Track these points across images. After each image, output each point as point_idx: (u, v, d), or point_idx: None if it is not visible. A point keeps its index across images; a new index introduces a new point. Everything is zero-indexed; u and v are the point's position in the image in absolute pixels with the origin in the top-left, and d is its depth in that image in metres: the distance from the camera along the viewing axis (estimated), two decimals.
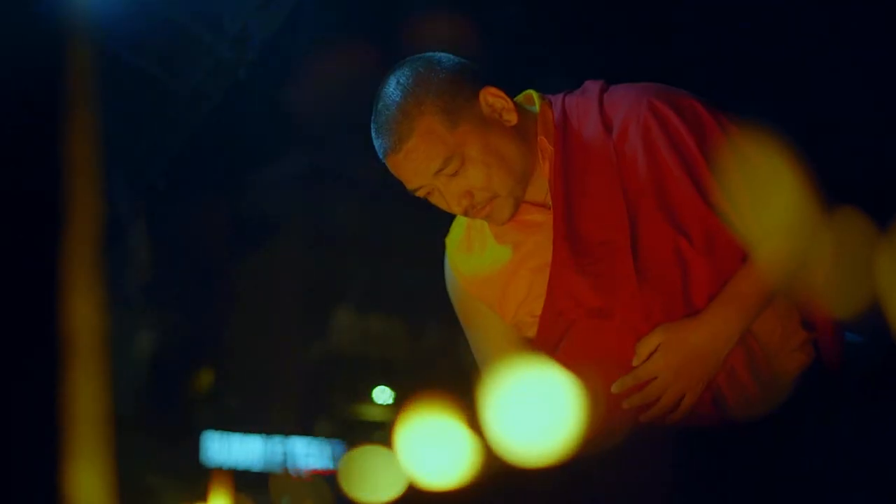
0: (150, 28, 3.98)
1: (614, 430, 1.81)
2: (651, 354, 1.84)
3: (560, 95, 2.01)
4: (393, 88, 1.88)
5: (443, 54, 1.93)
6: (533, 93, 2.02)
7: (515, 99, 1.97)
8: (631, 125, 1.90)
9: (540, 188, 1.96)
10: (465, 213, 1.92)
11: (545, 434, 1.57)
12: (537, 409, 1.68)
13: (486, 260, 2.00)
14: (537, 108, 1.98)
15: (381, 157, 1.91)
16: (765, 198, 1.84)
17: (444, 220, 2.09)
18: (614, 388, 1.84)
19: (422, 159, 1.86)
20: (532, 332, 1.98)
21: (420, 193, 1.92)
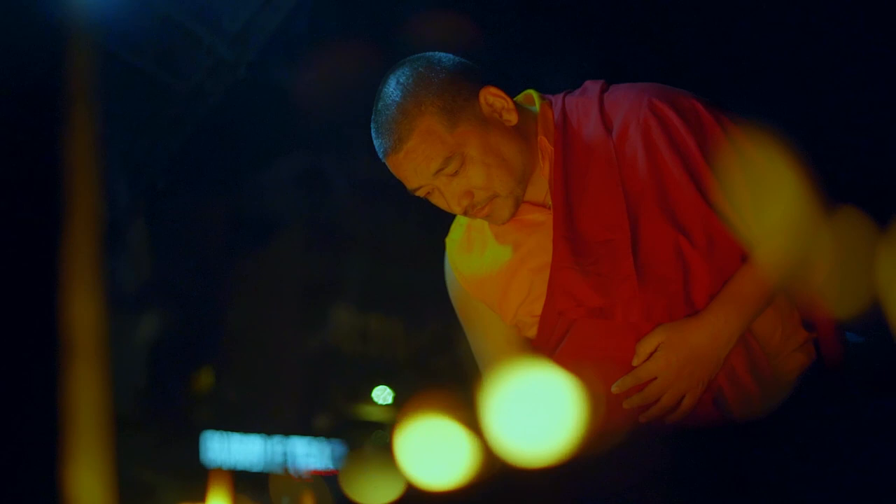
0: (150, 28, 3.98)
1: (614, 431, 1.81)
2: (651, 354, 1.84)
3: (560, 95, 2.01)
4: (393, 88, 1.88)
5: (443, 54, 1.93)
6: (533, 92, 2.02)
7: (515, 99, 1.97)
8: (631, 125, 1.90)
9: (540, 188, 1.96)
10: (466, 213, 1.92)
11: (545, 434, 1.57)
12: (537, 409, 1.68)
13: (486, 260, 2.00)
14: (537, 107, 1.98)
15: (380, 156, 1.91)
16: (765, 197, 1.84)
17: (444, 220, 2.09)
18: (614, 389, 1.84)
19: (421, 159, 1.86)
20: (532, 332, 1.98)
21: (420, 193, 1.92)
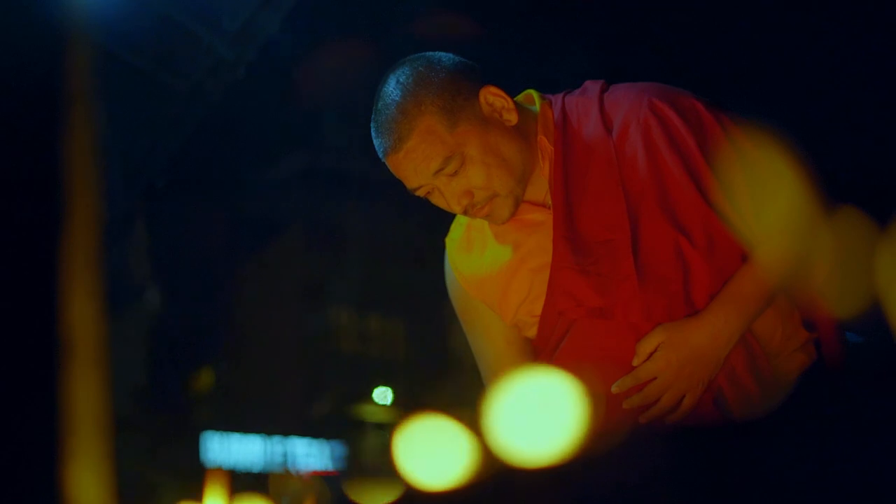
0: (149, 27, 3.98)
1: (614, 431, 1.81)
2: (651, 354, 1.83)
3: (560, 95, 2.01)
4: (392, 88, 1.88)
5: (443, 53, 1.93)
6: (533, 92, 2.02)
7: (515, 98, 1.97)
8: (631, 125, 1.90)
9: (540, 188, 1.96)
10: (465, 213, 1.92)
11: (545, 434, 1.57)
12: (537, 409, 1.68)
13: (486, 260, 2.00)
14: (537, 107, 1.98)
15: (380, 156, 1.90)
16: (765, 197, 1.84)
17: (444, 220, 2.09)
18: (614, 389, 1.84)
19: (421, 159, 1.85)
20: (532, 332, 1.98)
21: (420, 193, 1.91)
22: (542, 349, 1.97)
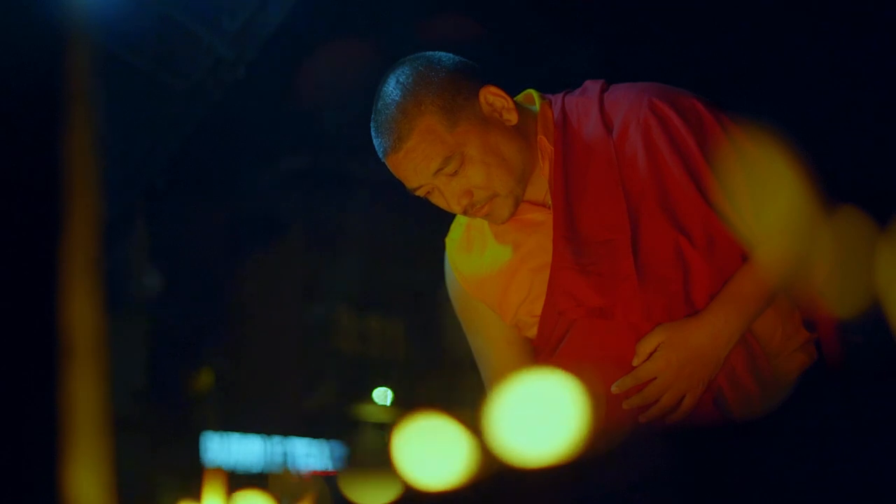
0: (149, 27, 3.98)
1: (614, 431, 1.81)
2: (651, 354, 1.83)
3: (560, 95, 2.01)
4: (392, 87, 1.88)
5: (443, 53, 1.93)
6: (533, 92, 2.02)
7: (515, 98, 1.97)
8: (631, 125, 1.90)
9: (540, 187, 1.96)
10: (465, 213, 1.92)
11: (544, 434, 1.57)
12: (536, 409, 1.68)
13: (486, 260, 2.00)
14: (537, 107, 1.98)
15: (380, 156, 1.90)
16: (766, 197, 1.84)
17: (444, 220, 2.09)
18: (614, 389, 1.84)
19: (421, 159, 1.85)
20: (532, 332, 1.98)
21: (420, 193, 1.91)
22: (542, 349, 1.97)
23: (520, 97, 2.01)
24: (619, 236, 1.86)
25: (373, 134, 1.90)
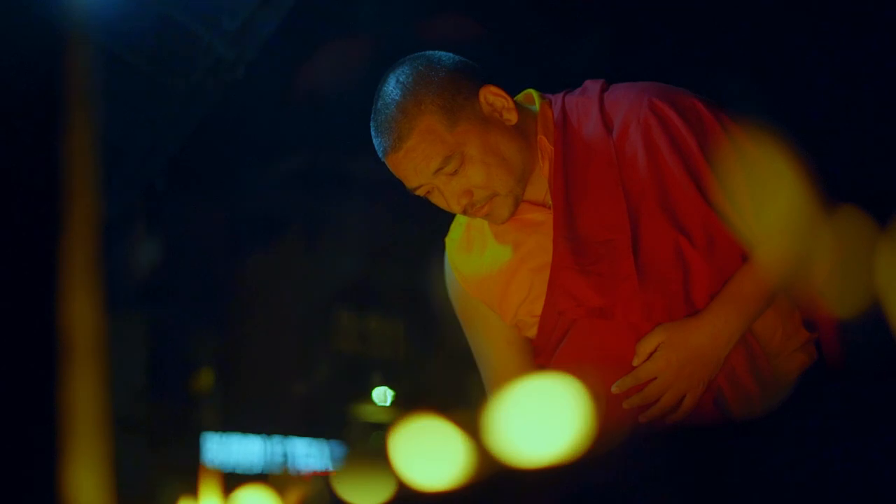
0: (149, 27, 3.97)
1: (614, 431, 1.81)
2: (651, 354, 1.83)
3: (560, 95, 2.01)
4: (392, 87, 1.88)
5: (443, 53, 1.93)
6: (533, 92, 2.02)
7: (515, 98, 1.97)
8: (631, 125, 1.90)
9: (540, 187, 1.96)
10: (465, 212, 1.92)
11: (544, 434, 1.57)
12: (537, 409, 1.68)
13: (486, 260, 2.00)
14: (537, 107, 1.98)
15: (380, 156, 1.91)
16: (766, 197, 1.84)
17: (444, 220, 2.09)
18: (614, 389, 1.84)
19: (421, 158, 1.85)
20: (533, 332, 1.98)
21: (420, 192, 1.91)
22: (543, 349, 1.97)
23: (520, 97, 2.01)
24: (619, 236, 1.86)
25: (372, 133, 1.90)
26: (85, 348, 0.85)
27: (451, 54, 1.93)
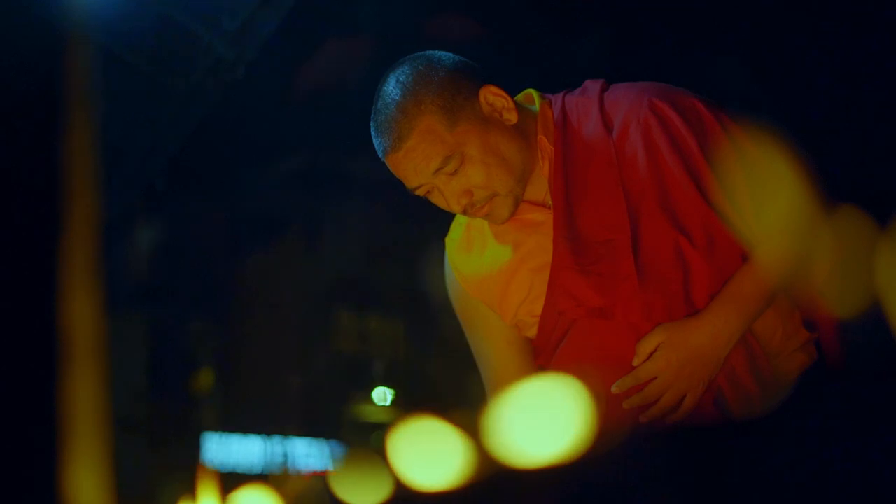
0: (149, 27, 3.97)
1: (614, 431, 1.81)
2: (651, 354, 1.83)
3: (560, 95, 2.01)
4: (392, 87, 1.88)
5: (443, 53, 1.93)
6: (533, 92, 2.02)
7: (515, 98, 1.97)
8: (631, 125, 1.90)
9: (540, 187, 1.96)
10: (465, 212, 1.92)
11: (544, 434, 1.57)
12: (536, 409, 1.68)
13: (486, 260, 2.00)
14: (537, 107, 1.98)
15: (380, 155, 1.91)
16: (766, 197, 1.84)
17: (444, 220, 2.09)
18: (614, 389, 1.84)
19: (421, 158, 1.85)
20: (533, 332, 1.98)
21: (419, 192, 1.91)
22: (543, 349, 1.97)
23: (520, 97, 2.01)
24: (619, 236, 1.86)
25: (372, 133, 1.90)
26: (85, 348, 0.85)
27: (451, 54, 1.93)
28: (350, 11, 4.01)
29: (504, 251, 1.98)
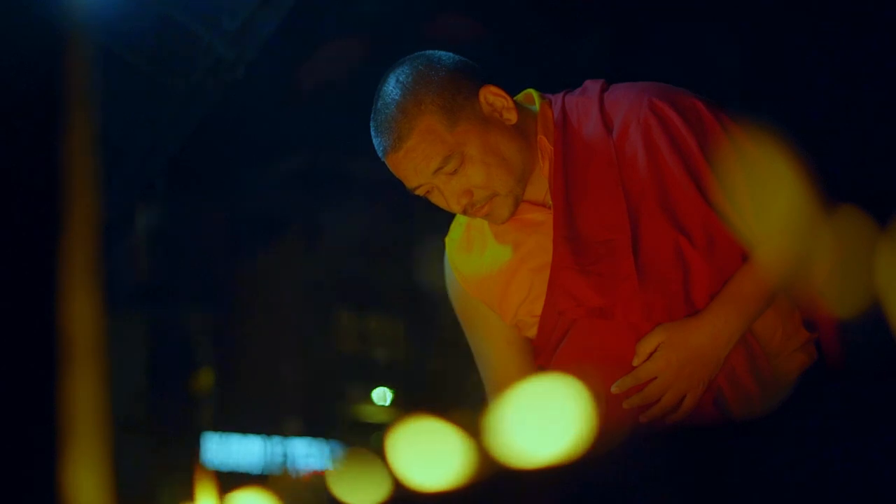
0: (149, 27, 3.97)
1: (614, 431, 1.81)
2: (651, 354, 1.83)
3: (560, 95, 2.01)
4: (392, 87, 1.88)
5: (443, 52, 1.93)
6: (533, 92, 2.02)
7: (515, 98, 1.97)
8: (631, 125, 1.90)
9: (540, 187, 1.96)
10: (465, 212, 1.92)
11: (544, 434, 1.57)
12: (536, 409, 1.68)
13: (486, 260, 2.00)
14: (537, 107, 1.98)
15: (380, 155, 1.91)
16: (766, 197, 1.84)
17: (444, 220, 2.09)
18: (614, 389, 1.84)
19: (421, 158, 1.85)
20: (533, 332, 1.98)
21: (419, 192, 1.91)
22: (543, 349, 1.97)
23: (520, 97, 2.01)
24: (619, 236, 1.86)
25: (372, 133, 1.90)
26: (85, 348, 0.85)
27: (451, 54, 1.93)
28: (350, 11, 4.01)
29: (504, 251, 1.98)
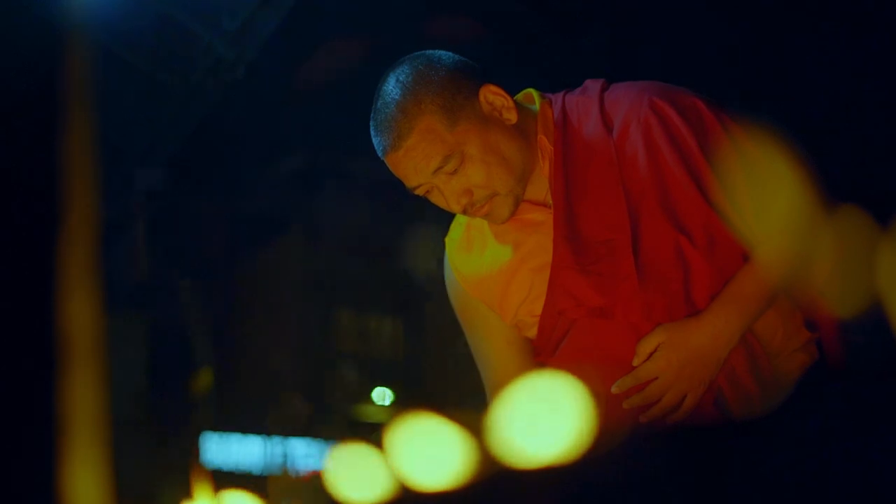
0: (149, 27, 3.98)
1: (614, 431, 1.81)
2: (651, 354, 1.83)
3: (560, 94, 2.01)
4: (392, 86, 1.87)
5: (443, 52, 1.92)
6: (533, 91, 2.02)
7: (515, 97, 1.97)
8: (632, 124, 1.90)
9: (540, 187, 1.95)
10: (465, 212, 1.92)
11: (545, 434, 1.57)
12: (537, 409, 1.68)
13: (486, 260, 2.00)
14: (537, 106, 1.98)
15: (380, 155, 1.90)
16: (767, 197, 1.84)
17: (444, 220, 2.09)
18: (614, 389, 1.84)
19: (421, 158, 1.85)
20: (533, 332, 1.98)
21: (419, 192, 1.91)
22: (543, 349, 1.96)
23: (519, 96, 2.00)
24: (619, 236, 1.86)
25: (372, 133, 1.90)
26: (85, 348, 0.85)
27: (451, 54, 1.93)
28: (350, 11, 4.01)
29: (504, 251, 1.98)
